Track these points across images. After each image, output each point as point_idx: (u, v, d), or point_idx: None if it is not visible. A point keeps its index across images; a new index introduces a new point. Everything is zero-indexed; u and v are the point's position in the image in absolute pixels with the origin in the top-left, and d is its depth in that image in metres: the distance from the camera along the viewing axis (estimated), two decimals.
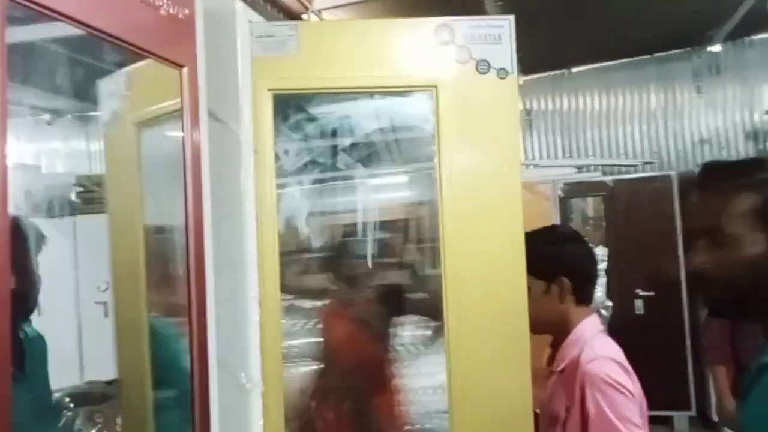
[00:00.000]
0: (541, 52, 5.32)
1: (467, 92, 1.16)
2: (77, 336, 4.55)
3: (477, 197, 1.21)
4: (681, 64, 5.76)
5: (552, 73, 5.99)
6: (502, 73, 1.16)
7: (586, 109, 5.98)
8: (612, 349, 1.48)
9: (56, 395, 2.99)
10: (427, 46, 1.16)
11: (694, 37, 5.45)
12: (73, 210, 5.11)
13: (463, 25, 1.16)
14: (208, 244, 0.95)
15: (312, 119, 1.28)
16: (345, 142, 1.38)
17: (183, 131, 0.91)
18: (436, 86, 1.14)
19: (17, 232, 1.57)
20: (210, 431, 0.94)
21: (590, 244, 1.67)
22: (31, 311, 1.57)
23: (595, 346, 1.47)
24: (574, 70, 6.00)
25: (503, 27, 1.16)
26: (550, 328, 1.55)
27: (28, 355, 1.60)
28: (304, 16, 3.77)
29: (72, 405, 2.91)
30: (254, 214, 1.03)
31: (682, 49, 5.70)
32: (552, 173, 5.25)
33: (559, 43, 5.20)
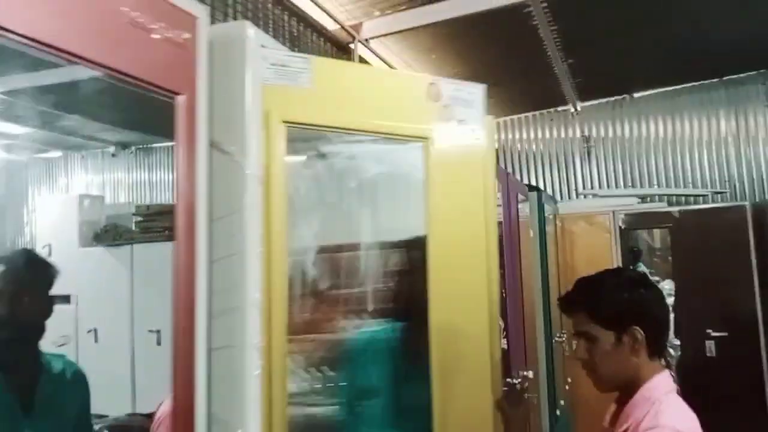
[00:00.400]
0: (601, 77, 5.11)
1: (449, 146, 1.30)
2: (131, 364, 4.60)
3: (453, 232, 1.34)
4: (753, 87, 5.40)
5: (612, 98, 5.74)
6: (476, 132, 1.34)
7: (650, 135, 5.68)
8: (680, 417, 1.29)
9: (96, 426, 2.99)
10: (421, 101, 1.29)
11: (767, 58, 5.12)
12: (131, 238, 5.24)
13: (447, 87, 1.31)
14: (201, 288, 0.86)
15: (322, 156, 1.24)
16: (351, 182, 1.37)
17: (176, 164, 0.83)
18: (427, 138, 1.27)
19: (26, 264, 1.56)
20: None
21: (656, 278, 1.50)
22: (37, 339, 1.55)
23: (661, 411, 1.29)
24: (637, 95, 5.73)
25: (476, 93, 1.34)
26: (619, 384, 1.37)
27: (42, 391, 1.56)
28: (351, 45, 3.75)
29: None
30: (258, 253, 0.94)
31: (755, 71, 5.35)
32: (612, 203, 4.98)
33: (620, 67, 4.97)
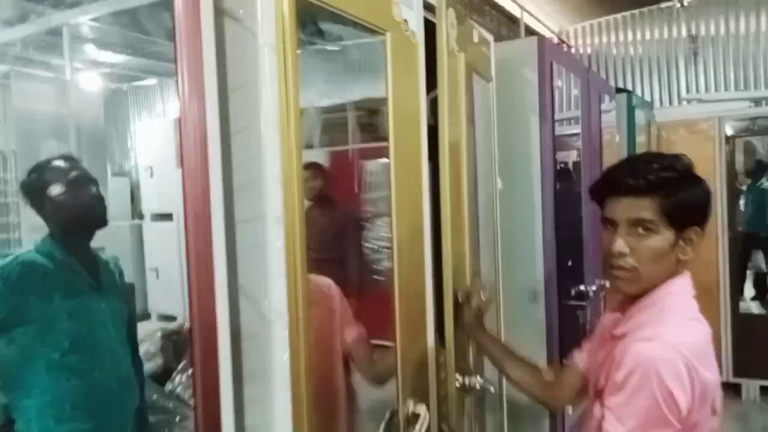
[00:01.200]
0: None
1: (399, 44, 1.33)
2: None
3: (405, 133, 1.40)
4: None
5: None
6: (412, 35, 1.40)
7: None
8: (688, 332, 1.12)
9: (188, 324, 3.25)
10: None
11: None
12: None
13: None
14: (215, 162, 0.85)
15: (321, 34, 1.20)
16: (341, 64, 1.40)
17: (175, 20, 0.80)
18: (385, 32, 1.28)
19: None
20: (218, 369, 0.86)
21: None
22: (98, 228, 1.69)
23: (667, 321, 1.12)
24: None
25: None
26: (653, 284, 1.19)
27: (104, 273, 1.72)
28: None
29: None
30: (277, 127, 0.91)
31: None
32: (718, 109, 4.50)
33: None
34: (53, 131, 4.79)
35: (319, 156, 3.16)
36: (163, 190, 6.50)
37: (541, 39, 2.32)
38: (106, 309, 1.68)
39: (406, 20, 1.37)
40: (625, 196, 1.16)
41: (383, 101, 1.31)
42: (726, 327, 4.60)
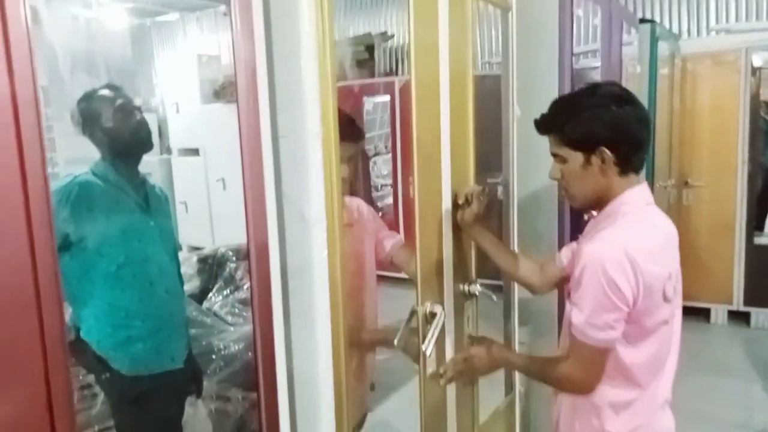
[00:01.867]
0: None
1: None
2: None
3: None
4: None
5: None
6: None
7: None
8: (639, 236, 1.30)
9: (221, 250, 3.46)
10: None
11: None
12: None
13: None
14: (262, 80, 0.98)
15: None
16: None
17: None
18: None
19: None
20: (269, 262, 1.02)
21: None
22: (145, 151, 1.84)
23: (620, 226, 1.31)
24: None
25: None
26: (591, 202, 1.39)
27: (152, 195, 1.88)
28: None
29: (235, 259, 3.36)
30: (315, 53, 1.03)
31: None
32: (746, 39, 4.42)
33: None
34: (83, 66, 4.91)
35: None
36: (189, 125, 6.65)
37: None
38: (154, 228, 1.85)
39: None
40: (545, 136, 1.40)
41: (382, 37, 1.40)
42: (740, 258, 4.70)
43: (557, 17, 2.11)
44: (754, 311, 4.76)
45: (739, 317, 4.82)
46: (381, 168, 6.69)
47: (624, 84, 3.33)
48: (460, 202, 1.62)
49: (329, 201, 1.08)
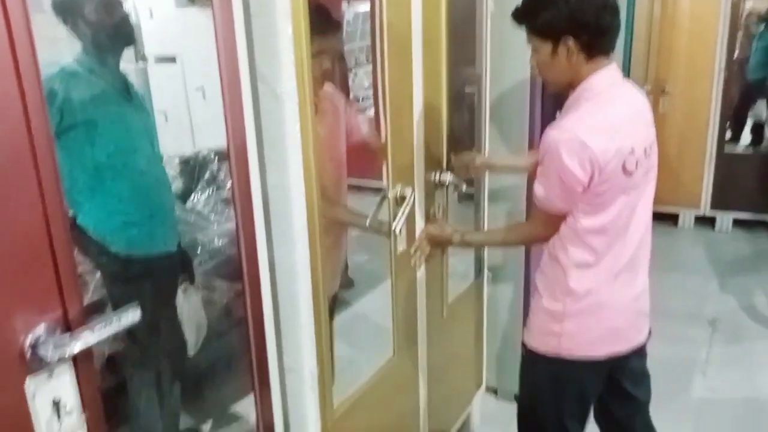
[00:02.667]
0: None
1: None
2: None
3: None
4: None
5: None
6: None
7: None
8: (595, 120, 1.41)
9: (203, 152, 3.52)
10: None
11: None
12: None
13: None
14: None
15: None
16: None
17: None
18: None
19: None
20: (245, 134, 1.10)
21: None
22: (127, 44, 1.87)
23: (579, 110, 1.43)
24: None
25: None
26: (565, 88, 1.49)
27: (131, 87, 1.92)
28: None
29: (216, 159, 3.43)
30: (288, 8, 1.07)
31: None
32: None
33: None
34: None
35: None
36: (164, 31, 6.42)
37: None
38: (139, 120, 1.91)
39: None
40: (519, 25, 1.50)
41: None
42: (710, 164, 4.86)
43: None
44: (719, 215, 4.98)
45: (705, 222, 5.06)
46: (362, 80, 6.61)
47: None
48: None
49: (300, 77, 1.15)
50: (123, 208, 1.87)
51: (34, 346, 0.82)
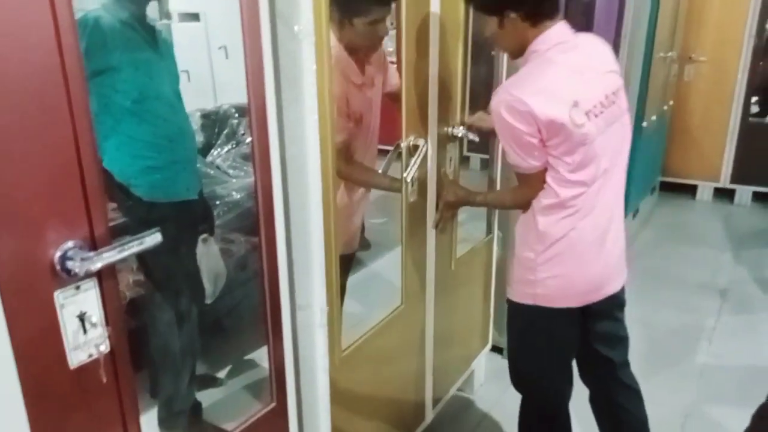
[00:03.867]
0: None
1: None
2: None
3: None
4: None
5: None
6: None
7: None
8: (532, 78, 1.46)
9: (224, 106, 3.57)
10: None
11: None
12: None
13: None
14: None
15: None
16: None
17: None
18: None
19: None
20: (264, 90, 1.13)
21: None
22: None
23: (518, 74, 1.50)
24: None
25: None
26: (521, 54, 1.54)
27: (158, 35, 1.95)
28: None
29: (237, 115, 3.48)
30: None
31: None
32: None
33: None
34: None
35: None
36: None
37: None
38: (164, 68, 1.94)
39: None
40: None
41: None
42: (733, 136, 4.78)
43: None
44: (739, 188, 4.92)
45: (724, 194, 5.01)
46: (386, 44, 6.56)
47: None
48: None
49: (317, 17, 1.17)
50: (146, 152, 1.92)
51: (63, 261, 0.88)
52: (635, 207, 4.07)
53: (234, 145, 3.38)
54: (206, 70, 6.68)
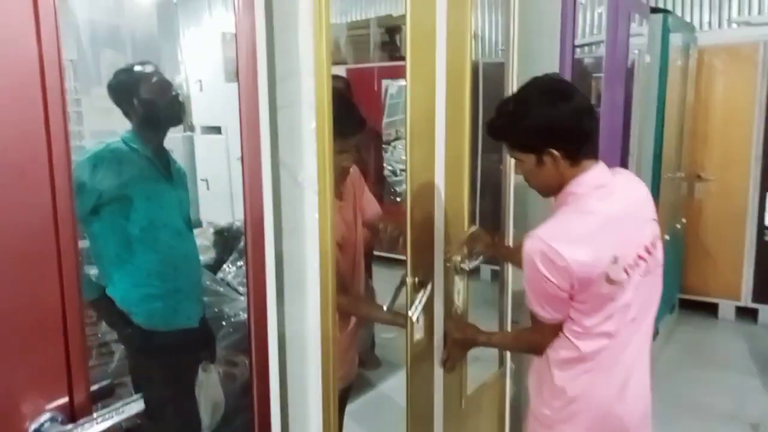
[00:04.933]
0: None
1: None
2: None
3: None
4: None
5: None
6: None
7: None
8: (567, 226, 1.39)
9: (237, 223, 3.59)
10: None
11: None
12: None
13: None
14: (261, 56, 1.07)
15: None
16: None
17: None
18: None
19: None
20: (263, 223, 1.13)
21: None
22: (174, 125, 1.96)
23: (555, 218, 1.41)
24: None
25: None
26: (554, 192, 1.47)
27: (173, 165, 2.00)
28: None
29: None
30: (311, 24, 1.12)
31: None
32: (764, 33, 4.38)
33: None
34: (110, 42, 5.04)
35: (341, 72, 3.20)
36: (212, 103, 6.77)
37: None
38: (175, 197, 1.98)
39: None
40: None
41: (403, 19, 1.47)
42: (750, 254, 4.69)
43: (560, 4, 2.15)
44: (762, 308, 4.75)
45: (747, 313, 4.83)
46: (400, 153, 6.72)
47: (635, 75, 3.36)
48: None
49: (321, 167, 1.18)
50: (150, 280, 1.91)
51: None
52: (655, 328, 3.92)
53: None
54: (225, 180, 6.89)
